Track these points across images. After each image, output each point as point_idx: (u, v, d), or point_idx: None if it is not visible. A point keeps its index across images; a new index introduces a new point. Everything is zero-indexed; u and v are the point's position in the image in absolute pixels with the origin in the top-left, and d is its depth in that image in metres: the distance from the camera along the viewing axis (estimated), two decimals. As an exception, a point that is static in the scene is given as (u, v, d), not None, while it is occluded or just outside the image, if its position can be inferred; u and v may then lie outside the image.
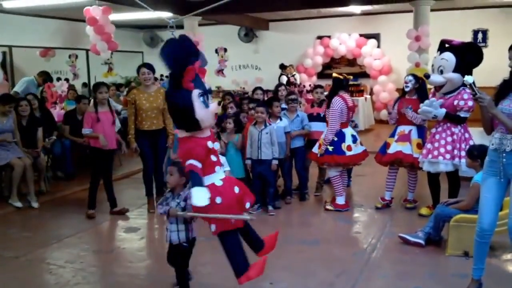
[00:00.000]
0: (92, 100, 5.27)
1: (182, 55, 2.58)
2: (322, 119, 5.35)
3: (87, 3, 8.07)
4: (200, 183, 2.62)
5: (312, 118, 5.40)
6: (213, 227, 2.76)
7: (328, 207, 5.05)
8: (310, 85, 10.58)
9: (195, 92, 2.60)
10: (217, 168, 2.77)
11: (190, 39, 2.72)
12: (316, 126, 5.38)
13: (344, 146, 4.83)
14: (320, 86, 5.66)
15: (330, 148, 4.81)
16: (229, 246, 2.82)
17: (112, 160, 5.16)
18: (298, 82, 10.74)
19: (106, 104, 4.98)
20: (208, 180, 2.71)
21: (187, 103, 2.58)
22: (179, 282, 3.13)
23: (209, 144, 2.72)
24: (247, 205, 2.86)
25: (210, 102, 2.72)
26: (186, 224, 3.01)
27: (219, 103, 6.00)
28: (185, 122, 2.66)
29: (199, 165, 2.63)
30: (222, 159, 4.75)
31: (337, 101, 4.82)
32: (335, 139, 4.81)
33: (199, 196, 2.57)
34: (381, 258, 3.81)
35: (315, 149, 5.01)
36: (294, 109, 5.35)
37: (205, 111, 2.64)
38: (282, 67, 11.10)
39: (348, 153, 4.84)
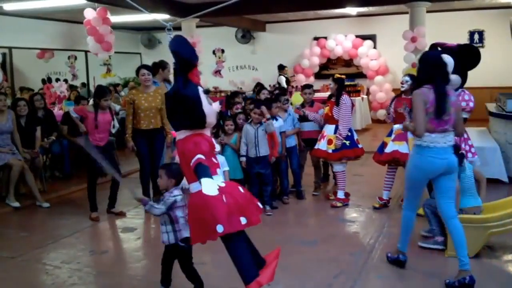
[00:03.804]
0: (90, 101, 5.27)
1: (193, 49, 2.66)
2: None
3: (86, 6, 8.09)
4: (208, 175, 2.54)
5: (304, 118, 5.42)
6: (219, 228, 2.51)
7: (338, 204, 5.11)
8: (297, 86, 10.63)
9: (200, 88, 2.66)
10: (218, 170, 2.73)
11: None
12: (308, 126, 5.46)
13: (356, 140, 5.08)
14: (308, 87, 5.67)
15: (347, 143, 4.97)
16: (236, 251, 2.65)
17: (113, 157, 5.12)
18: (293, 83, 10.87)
19: (106, 108, 5.01)
20: None
21: (196, 96, 2.61)
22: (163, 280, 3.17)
23: (214, 141, 2.73)
24: (259, 204, 2.80)
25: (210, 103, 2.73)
26: (173, 225, 2.99)
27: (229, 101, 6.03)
28: (192, 116, 2.63)
29: (205, 159, 2.58)
30: (221, 158, 4.81)
31: (347, 98, 5.02)
32: (349, 134, 4.99)
33: (209, 186, 2.49)
34: (379, 259, 3.79)
35: (323, 146, 5.05)
36: (286, 108, 5.43)
37: (210, 108, 2.66)
38: (281, 67, 11.11)
39: (360, 146, 5.12)
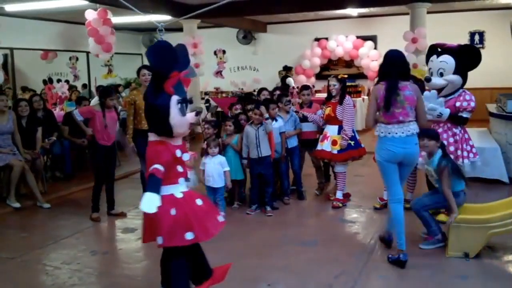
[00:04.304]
0: (92, 101, 5.29)
1: (170, 59, 2.56)
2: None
3: (87, 7, 8.12)
4: (156, 189, 2.53)
5: (302, 119, 5.41)
6: (159, 239, 2.63)
7: (339, 204, 5.11)
8: (297, 86, 10.62)
9: (174, 98, 2.57)
10: (180, 180, 2.70)
11: (183, 48, 2.70)
12: (305, 127, 5.45)
13: (358, 140, 5.11)
14: (306, 88, 5.67)
15: (352, 143, 4.98)
16: (174, 267, 2.73)
17: (114, 159, 5.13)
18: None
19: (112, 107, 5.04)
20: (168, 190, 2.65)
21: (165, 106, 2.55)
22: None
23: (178, 152, 2.66)
24: (220, 218, 2.77)
25: (188, 112, 2.65)
26: None
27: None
28: (159, 125, 2.62)
29: (162, 170, 2.57)
30: (222, 159, 4.82)
31: (349, 98, 5.05)
32: (352, 134, 5.01)
33: (149, 202, 2.46)
34: (380, 259, 3.79)
35: (327, 147, 5.04)
36: (288, 109, 5.42)
37: (181, 119, 2.59)
38: (287, 68, 11.08)
39: (362, 145, 5.14)
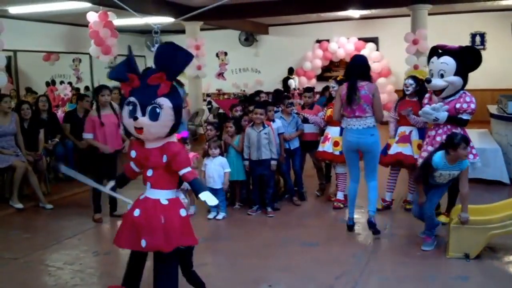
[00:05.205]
0: (94, 103, 5.27)
1: (126, 65, 2.70)
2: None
3: (90, 9, 8.17)
4: (118, 183, 2.99)
5: (304, 120, 5.43)
6: None
7: (340, 205, 5.13)
8: (299, 88, 10.69)
9: (126, 101, 2.67)
10: (148, 184, 2.77)
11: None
12: (307, 128, 5.47)
13: None
14: (308, 90, 5.69)
15: None
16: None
17: (116, 160, 5.13)
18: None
19: (108, 107, 4.95)
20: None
21: (121, 106, 2.73)
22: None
23: (132, 153, 2.78)
24: (143, 243, 2.69)
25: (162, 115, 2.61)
26: None
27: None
28: None
29: (134, 168, 2.86)
30: (223, 160, 4.84)
31: None
32: None
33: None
34: (381, 260, 3.80)
35: (328, 149, 5.06)
36: (290, 111, 5.43)
37: (126, 121, 2.66)
38: (291, 71, 11.08)
39: None
